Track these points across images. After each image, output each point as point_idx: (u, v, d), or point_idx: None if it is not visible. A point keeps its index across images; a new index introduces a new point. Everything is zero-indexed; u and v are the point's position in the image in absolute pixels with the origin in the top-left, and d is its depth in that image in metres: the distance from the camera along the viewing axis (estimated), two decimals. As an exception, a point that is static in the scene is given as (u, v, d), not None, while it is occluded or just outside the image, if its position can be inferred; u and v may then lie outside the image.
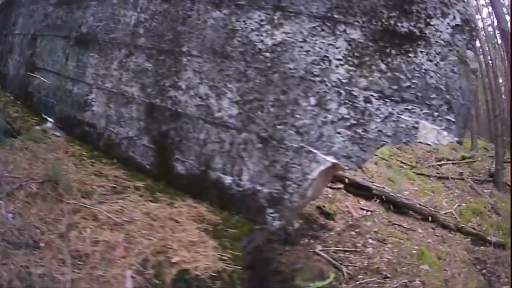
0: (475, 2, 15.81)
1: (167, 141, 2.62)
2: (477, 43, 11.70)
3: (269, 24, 2.26)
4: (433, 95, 1.92)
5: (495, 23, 18.14)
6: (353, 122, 2.05)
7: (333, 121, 2.10)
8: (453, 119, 1.90)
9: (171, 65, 2.62)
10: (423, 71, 1.93)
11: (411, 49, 1.93)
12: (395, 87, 1.98)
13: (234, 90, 2.36)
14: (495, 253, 4.83)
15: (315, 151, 2.13)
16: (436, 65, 1.91)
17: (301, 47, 2.16)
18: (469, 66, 1.90)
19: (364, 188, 5.33)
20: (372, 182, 5.79)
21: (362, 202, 5.16)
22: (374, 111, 2.01)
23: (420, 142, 2.01)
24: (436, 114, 1.92)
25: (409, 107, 1.96)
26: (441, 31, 1.89)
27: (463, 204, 6.99)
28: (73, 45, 3.49)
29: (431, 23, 1.90)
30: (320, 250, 3.28)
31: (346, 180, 5.24)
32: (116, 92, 2.95)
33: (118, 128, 2.93)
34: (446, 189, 7.88)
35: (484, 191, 8.37)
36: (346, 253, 3.49)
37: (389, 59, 1.98)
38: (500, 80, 18.54)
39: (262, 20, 2.28)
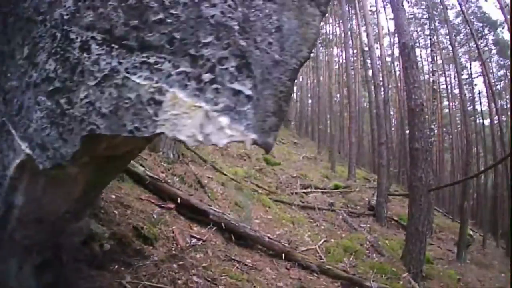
0: (376, 31, 15.41)
1: None
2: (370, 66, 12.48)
3: None
4: (209, 39, 1.02)
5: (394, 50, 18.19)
6: (58, 85, 1.30)
7: (36, 83, 1.36)
8: (248, 92, 0.99)
9: None
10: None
11: None
12: (135, 22, 1.13)
13: None
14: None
15: (13, 131, 1.41)
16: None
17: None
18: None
19: (200, 212, 4.67)
20: (210, 206, 5.11)
21: (196, 228, 4.44)
22: (90, 65, 1.22)
23: (161, 133, 1.12)
24: (208, 78, 1.02)
25: (152, 60, 1.09)
26: None
27: (332, 240, 6.14)
28: None
29: None
30: (128, 282, 2.67)
31: (179, 200, 4.65)
32: None
33: None
34: (311, 221, 6.89)
35: (361, 225, 7.31)
36: (160, 290, 2.76)
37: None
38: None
39: None
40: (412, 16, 21.16)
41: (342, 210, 7.95)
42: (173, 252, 3.55)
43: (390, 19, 19.75)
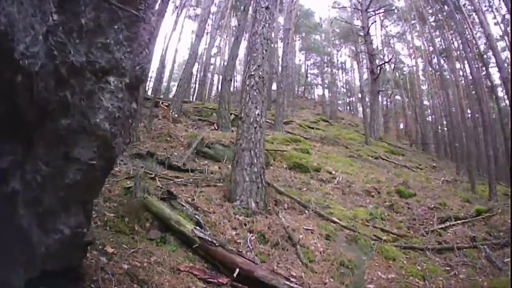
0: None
1: None
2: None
3: None
4: None
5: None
6: None
7: None
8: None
9: None
10: None
11: None
12: None
13: None
14: None
15: None
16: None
17: None
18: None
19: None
20: (294, 275, 3.86)
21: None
22: None
23: None
24: None
25: None
26: None
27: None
28: None
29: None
30: None
31: (237, 270, 3.47)
32: None
33: None
34: (448, 268, 4.92)
35: (506, 260, 5.04)
36: None
37: None
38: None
39: None
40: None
41: (485, 243, 5.57)
42: None
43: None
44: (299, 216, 5.65)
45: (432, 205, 7.39)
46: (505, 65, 10.64)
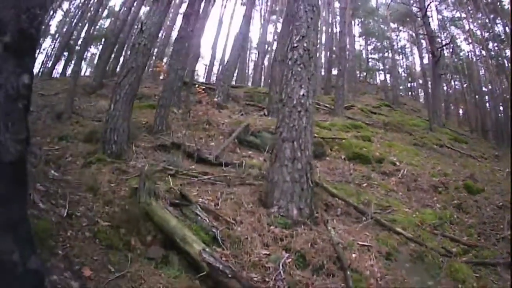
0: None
1: None
2: None
3: None
4: None
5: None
6: None
7: None
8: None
9: None
10: None
11: None
12: None
13: None
14: None
15: None
16: None
17: None
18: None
19: None
20: None
21: None
22: None
23: None
24: None
25: None
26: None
27: None
28: None
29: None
30: None
31: None
32: None
33: None
34: None
35: None
36: None
37: None
38: None
39: None
40: None
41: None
42: None
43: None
44: (355, 225, 4.33)
45: (501, 203, 6.32)
46: None
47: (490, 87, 24.06)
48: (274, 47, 28.26)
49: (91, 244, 2.91)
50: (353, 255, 3.58)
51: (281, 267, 3.15)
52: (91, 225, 3.09)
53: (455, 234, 5.03)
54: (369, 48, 34.82)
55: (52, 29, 22.70)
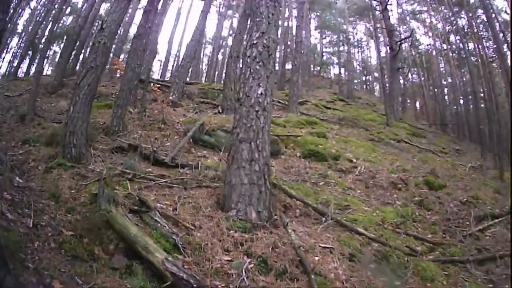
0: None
1: None
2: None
3: None
4: None
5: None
6: None
7: None
8: None
9: None
10: None
11: None
12: None
13: None
14: None
15: None
16: None
17: None
18: None
19: None
20: None
21: None
22: None
23: None
24: None
25: None
26: None
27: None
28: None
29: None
30: None
31: None
32: None
33: None
34: (491, 286, 3.87)
35: None
36: None
37: None
38: None
39: None
40: None
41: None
42: None
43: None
44: (315, 226, 4.50)
45: (465, 199, 6.44)
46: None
47: (450, 80, 24.23)
48: (230, 42, 28.22)
49: (57, 255, 2.89)
50: (316, 258, 3.66)
51: (244, 273, 3.19)
52: (56, 236, 3.07)
53: (419, 232, 5.09)
54: (324, 41, 34.83)
55: (20, 28, 21.02)
